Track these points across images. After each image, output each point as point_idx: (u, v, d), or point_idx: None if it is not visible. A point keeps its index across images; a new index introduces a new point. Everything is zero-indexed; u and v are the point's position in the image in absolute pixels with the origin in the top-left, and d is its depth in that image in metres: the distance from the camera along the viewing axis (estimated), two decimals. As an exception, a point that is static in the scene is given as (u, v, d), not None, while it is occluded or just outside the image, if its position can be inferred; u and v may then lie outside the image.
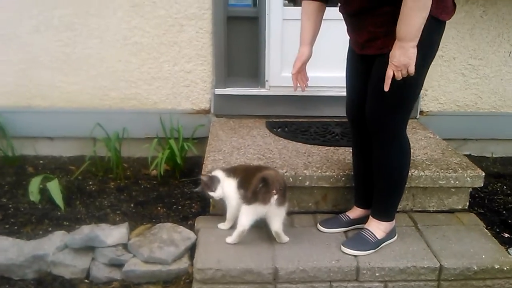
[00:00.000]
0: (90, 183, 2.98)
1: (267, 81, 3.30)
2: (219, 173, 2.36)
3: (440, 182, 2.55)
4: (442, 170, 2.57)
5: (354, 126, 2.35)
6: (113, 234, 2.34)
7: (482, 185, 2.61)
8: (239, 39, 3.31)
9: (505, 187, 3.08)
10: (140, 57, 3.24)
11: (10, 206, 2.70)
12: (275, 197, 2.14)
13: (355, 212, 2.43)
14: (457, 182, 2.56)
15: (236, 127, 3.20)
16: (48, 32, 3.16)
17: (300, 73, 2.35)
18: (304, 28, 2.28)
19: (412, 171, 2.51)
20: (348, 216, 2.43)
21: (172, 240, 2.33)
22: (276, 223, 2.22)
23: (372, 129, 2.16)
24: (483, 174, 2.59)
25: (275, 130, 3.15)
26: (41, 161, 3.29)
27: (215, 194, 2.34)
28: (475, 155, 3.53)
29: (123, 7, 3.15)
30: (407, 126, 2.19)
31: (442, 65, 3.37)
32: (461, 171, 2.58)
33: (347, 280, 2.17)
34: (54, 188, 2.68)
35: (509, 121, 3.53)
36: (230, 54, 3.31)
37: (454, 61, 3.39)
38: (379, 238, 2.25)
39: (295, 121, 3.30)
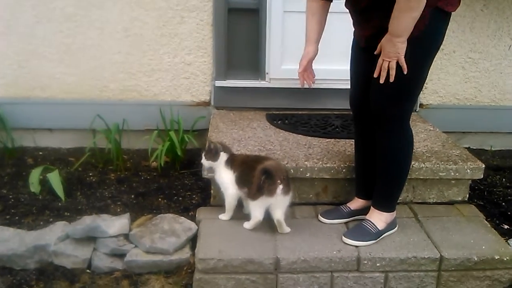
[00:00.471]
0: (90, 174, 2.98)
1: (267, 73, 3.30)
2: (223, 156, 2.36)
3: (440, 174, 2.56)
4: (442, 162, 2.58)
5: (357, 117, 2.35)
6: (114, 224, 2.34)
7: (482, 177, 2.63)
8: (240, 31, 3.31)
9: (504, 179, 3.10)
10: (141, 49, 3.23)
11: (11, 197, 2.70)
12: (281, 186, 2.15)
13: (356, 203, 2.44)
14: (457, 174, 2.57)
15: (237, 119, 3.20)
16: (49, 23, 3.15)
17: (307, 71, 2.36)
18: (309, 27, 2.30)
19: (413, 163, 2.50)
20: (349, 207, 2.44)
21: (174, 231, 2.34)
22: (279, 212, 2.23)
23: (376, 120, 2.17)
24: (483, 166, 2.60)
25: (275, 122, 3.16)
26: (40, 153, 3.28)
27: (206, 164, 2.39)
28: (474, 148, 3.55)
29: (124, -2, 3.14)
30: (408, 119, 2.19)
31: (442, 58, 3.38)
32: (461, 163, 2.59)
33: (348, 270, 2.18)
34: (55, 179, 2.68)
35: (509, 114, 3.54)
36: (231, 46, 3.30)
37: (454, 55, 3.40)
38: (380, 229, 2.26)
39: (296, 114, 3.30)
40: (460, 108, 3.50)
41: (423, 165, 2.55)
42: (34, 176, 2.73)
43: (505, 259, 2.21)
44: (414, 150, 2.30)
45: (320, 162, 2.55)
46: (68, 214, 2.55)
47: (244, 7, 3.29)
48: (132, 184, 2.89)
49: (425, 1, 1.83)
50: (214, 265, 2.12)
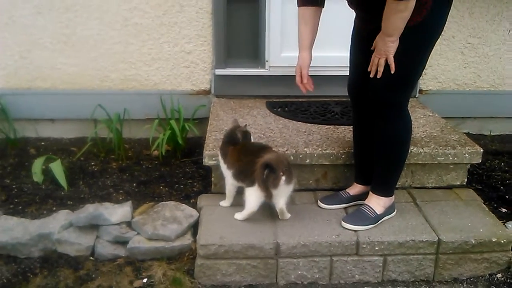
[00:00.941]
0: (92, 163, 3.00)
1: (267, 61, 3.31)
2: (227, 147, 2.38)
3: (438, 158, 2.58)
4: (440, 147, 2.60)
5: (355, 103, 2.37)
6: (117, 212, 2.37)
7: (480, 161, 2.65)
8: (239, 19, 3.31)
9: (502, 164, 3.12)
10: (140, 38, 3.24)
11: (14, 187, 2.73)
12: (284, 178, 2.15)
13: (355, 189, 2.47)
14: (455, 159, 2.59)
15: (237, 107, 3.22)
16: (50, 13, 3.16)
17: (305, 77, 2.35)
18: (302, 34, 2.29)
19: (411, 148, 2.54)
20: (348, 192, 2.46)
21: (175, 218, 2.37)
22: (282, 201, 2.25)
23: (374, 106, 2.19)
24: (481, 150, 2.62)
25: (275, 109, 3.17)
26: (42, 143, 3.31)
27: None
28: (474, 133, 3.56)
29: (123, -13, 3.15)
30: (406, 105, 2.21)
31: (441, 44, 3.38)
32: (459, 147, 2.61)
33: (347, 254, 2.21)
34: (57, 168, 2.71)
35: (508, 99, 3.55)
36: (230, 35, 3.30)
37: (454, 40, 3.40)
38: (378, 213, 2.29)
39: (295, 101, 3.31)
40: (459, 93, 3.51)
41: (422, 150, 2.57)
42: (37, 166, 2.76)
43: (502, 241, 2.24)
44: (413, 136, 2.32)
45: (320, 149, 2.57)
46: (71, 203, 2.58)
47: (243, -5, 3.29)
48: (134, 172, 2.92)
49: (414, 3, 1.86)
50: (215, 251, 2.15)
